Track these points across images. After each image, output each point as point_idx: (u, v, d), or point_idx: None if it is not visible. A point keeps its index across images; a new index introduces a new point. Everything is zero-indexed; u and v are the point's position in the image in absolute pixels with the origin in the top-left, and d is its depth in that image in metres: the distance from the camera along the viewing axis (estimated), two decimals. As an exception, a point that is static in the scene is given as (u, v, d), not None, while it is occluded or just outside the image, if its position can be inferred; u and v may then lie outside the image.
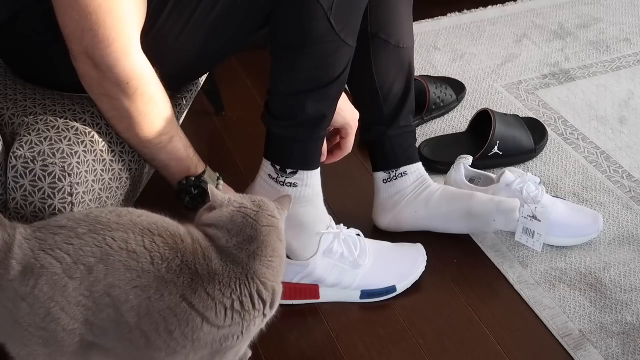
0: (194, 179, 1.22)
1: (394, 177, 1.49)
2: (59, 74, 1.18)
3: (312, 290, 1.37)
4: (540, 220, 1.45)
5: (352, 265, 1.36)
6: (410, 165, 1.49)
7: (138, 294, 0.95)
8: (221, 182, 1.28)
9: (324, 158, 1.37)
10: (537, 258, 1.48)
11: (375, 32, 1.42)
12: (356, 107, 1.40)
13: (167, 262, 0.96)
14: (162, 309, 0.95)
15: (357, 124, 1.40)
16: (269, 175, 1.31)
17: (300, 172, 1.29)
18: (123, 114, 1.12)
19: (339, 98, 1.29)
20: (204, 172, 1.24)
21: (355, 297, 1.38)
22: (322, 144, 1.32)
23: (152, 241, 0.97)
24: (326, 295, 1.37)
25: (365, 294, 1.38)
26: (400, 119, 1.47)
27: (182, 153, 1.21)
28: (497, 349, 1.31)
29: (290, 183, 1.29)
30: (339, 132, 1.40)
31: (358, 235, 1.39)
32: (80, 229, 0.96)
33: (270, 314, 1.06)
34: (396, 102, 1.47)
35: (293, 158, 1.29)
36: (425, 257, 1.43)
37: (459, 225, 1.49)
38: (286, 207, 1.11)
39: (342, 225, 1.38)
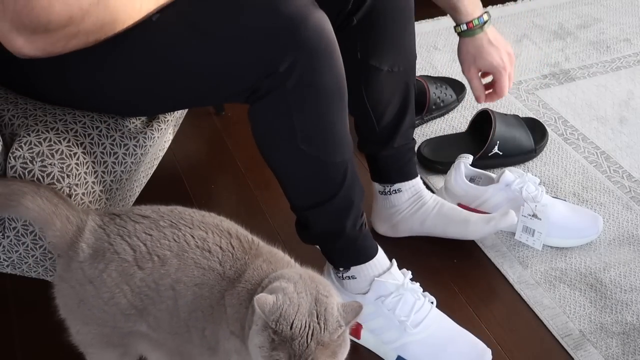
0: None
1: (389, 192, 1.46)
2: (48, 87, 1.14)
3: (354, 327, 1.28)
4: (540, 219, 1.45)
5: (398, 326, 1.25)
6: (405, 182, 1.45)
7: (195, 291, 0.97)
8: None
9: (481, 99, 1.34)
10: (537, 258, 1.48)
11: (365, 59, 1.33)
12: (352, 121, 1.32)
13: (235, 261, 0.98)
14: (205, 306, 0.97)
15: (508, 66, 1.37)
16: (331, 267, 1.28)
17: (352, 267, 1.25)
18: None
19: (352, 206, 1.19)
20: None
21: (391, 357, 1.28)
22: (366, 236, 1.24)
23: (229, 242, 0.99)
24: (366, 341, 1.29)
25: None
26: (395, 140, 1.40)
27: None
28: (497, 349, 1.31)
29: (349, 276, 1.25)
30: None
31: (432, 302, 1.28)
32: (162, 222, 0.99)
33: None
34: (390, 123, 1.40)
35: (335, 260, 1.26)
36: (490, 358, 1.28)
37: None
38: (351, 316, 0.93)
39: (408, 277, 1.27)
